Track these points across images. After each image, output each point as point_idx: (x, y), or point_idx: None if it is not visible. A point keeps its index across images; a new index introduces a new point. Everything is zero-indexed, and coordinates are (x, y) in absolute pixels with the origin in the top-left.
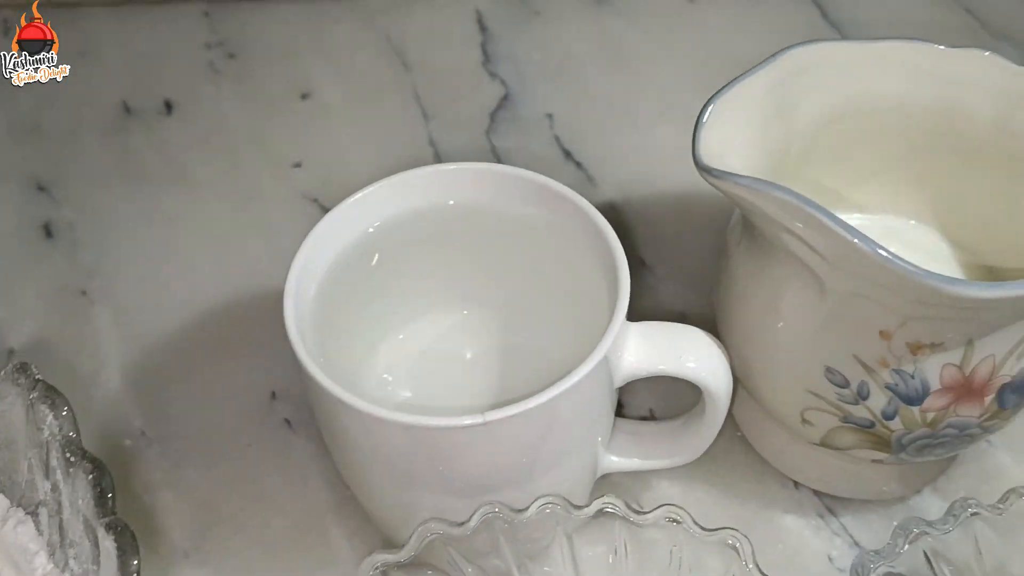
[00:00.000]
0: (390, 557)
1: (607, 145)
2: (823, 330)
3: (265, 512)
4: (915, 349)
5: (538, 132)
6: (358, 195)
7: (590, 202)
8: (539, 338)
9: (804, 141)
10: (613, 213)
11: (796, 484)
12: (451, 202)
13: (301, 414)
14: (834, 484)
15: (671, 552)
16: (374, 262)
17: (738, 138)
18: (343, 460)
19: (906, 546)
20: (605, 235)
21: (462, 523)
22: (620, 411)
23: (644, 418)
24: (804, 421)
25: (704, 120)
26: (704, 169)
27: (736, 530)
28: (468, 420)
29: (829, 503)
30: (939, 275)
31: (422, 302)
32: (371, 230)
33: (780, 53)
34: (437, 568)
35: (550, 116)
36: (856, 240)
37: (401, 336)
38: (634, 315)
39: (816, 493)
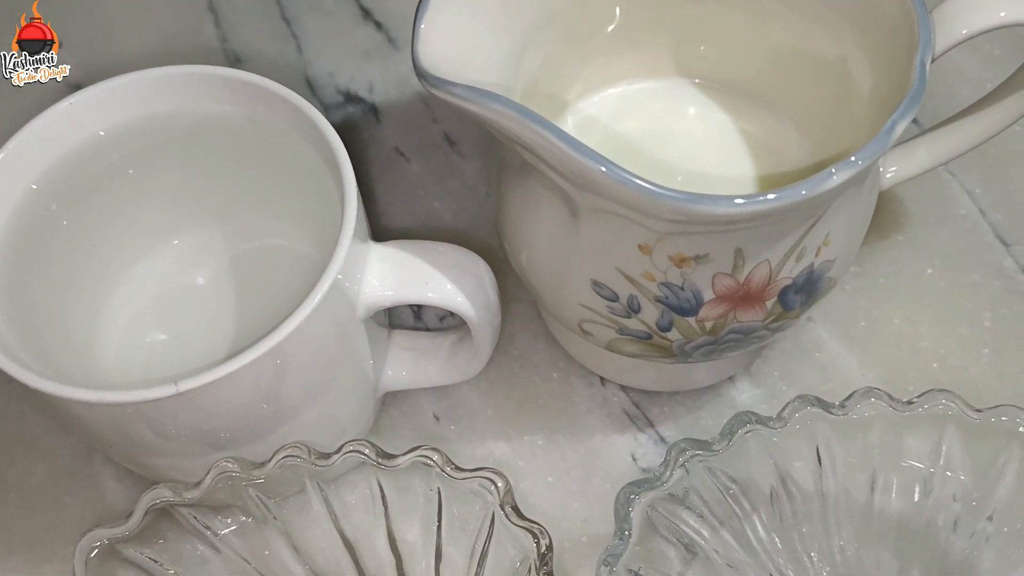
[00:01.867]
0: (112, 532)
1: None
2: (582, 245)
3: (28, 457)
4: (679, 262)
5: None
6: (11, 143)
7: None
8: (283, 238)
9: (569, 10)
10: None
11: (603, 380)
12: (102, 133)
13: None
14: (640, 378)
15: (427, 493)
16: (58, 219)
17: (479, 25)
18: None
19: (674, 474)
20: (331, 144)
21: (196, 484)
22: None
23: (443, 318)
24: (584, 332)
25: (426, 9)
26: (421, 75)
27: (491, 470)
28: (159, 392)
29: (636, 398)
30: (681, 193)
31: (134, 241)
32: (34, 187)
33: None
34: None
35: None
36: (588, 160)
37: (123, 288)
38: (441, 198)
39: (623, 388)
